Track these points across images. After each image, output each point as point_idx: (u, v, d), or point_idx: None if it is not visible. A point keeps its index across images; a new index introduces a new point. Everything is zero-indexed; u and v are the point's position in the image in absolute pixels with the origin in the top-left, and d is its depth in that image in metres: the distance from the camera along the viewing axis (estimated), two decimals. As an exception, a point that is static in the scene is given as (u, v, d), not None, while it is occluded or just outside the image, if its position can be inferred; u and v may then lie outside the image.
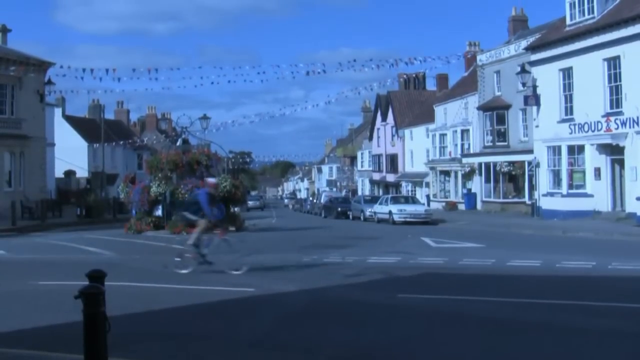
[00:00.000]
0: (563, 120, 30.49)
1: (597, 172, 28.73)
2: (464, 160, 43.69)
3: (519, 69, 33.74)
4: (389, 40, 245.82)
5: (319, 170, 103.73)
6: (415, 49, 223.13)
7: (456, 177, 46.47)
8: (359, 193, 65.81)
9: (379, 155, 66.69)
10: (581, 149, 29.44)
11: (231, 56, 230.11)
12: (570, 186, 30.00)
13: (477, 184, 42.22)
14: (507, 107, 38.59)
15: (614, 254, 16.50)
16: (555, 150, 30.87)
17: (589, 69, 28.66)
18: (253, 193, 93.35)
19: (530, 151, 33.44)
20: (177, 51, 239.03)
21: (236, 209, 32.81)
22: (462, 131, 45.74)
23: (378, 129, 67.89)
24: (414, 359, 7.02)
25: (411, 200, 37.99)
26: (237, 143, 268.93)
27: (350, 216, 41.79)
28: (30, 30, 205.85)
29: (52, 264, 16.19)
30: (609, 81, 27.91)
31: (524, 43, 35.91)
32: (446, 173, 48.37)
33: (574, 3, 30.36)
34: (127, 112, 75.39)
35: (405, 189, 58.47)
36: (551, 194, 30.96)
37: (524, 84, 34.11)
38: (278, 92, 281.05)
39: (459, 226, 30.42)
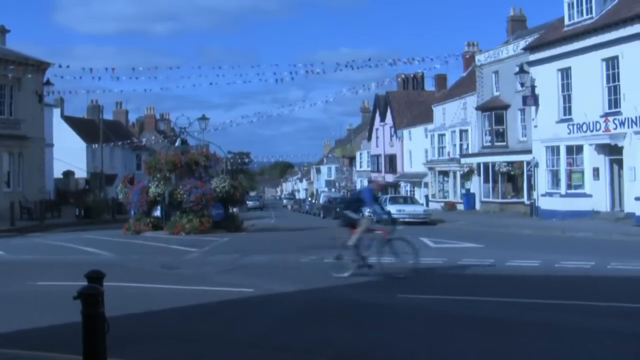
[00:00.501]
0: (561, 121, 30.51)
1: (596, 172, 28.74)
2: (463, 160, 43.67)
3: (517, 69, 33.78)
4: (387, 40, 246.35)
5: (318, 171, 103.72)
6: (414, 49, 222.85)
7: (455, 177, 46.49)
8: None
9: (378, 156, 66.72)
10: (580, 149, 29.45)
11: (230, 57, 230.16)
12: (569, 186, 30.01)
13: (475, 184, 42.22)
14: (506, 107, 38.59)
15: (613, 253, 16.51)
16: (554, 151, 30.88)
17: (588, 69, 28.67)
18: (252, 193, 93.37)
19: (529, 151, 33.44)
20: (176, 52, 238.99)
21: (235, 209, 32.82)
22: (461, 131, 45.74)
23: (377, 129, 67.90)
24: (414, 359, 7.01)
25: (410, 200, 37.95)
26: (236, 143, 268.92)
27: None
28: (29, 30, 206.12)
29: (51, 264, 16.17)
30: (608, 81, 27.92)
31: (522, 43, 35.89)
32: (445, 173, 48.38)
33: (573, 3, 30.38)
34: (126, 113, 75.32)
35: (404, 189, 58.50)
36: (550, 194, 30.97)
37: (522, 84, 34.13)
38: (277, 92, 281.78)
39: (458, 226, 30.42)
